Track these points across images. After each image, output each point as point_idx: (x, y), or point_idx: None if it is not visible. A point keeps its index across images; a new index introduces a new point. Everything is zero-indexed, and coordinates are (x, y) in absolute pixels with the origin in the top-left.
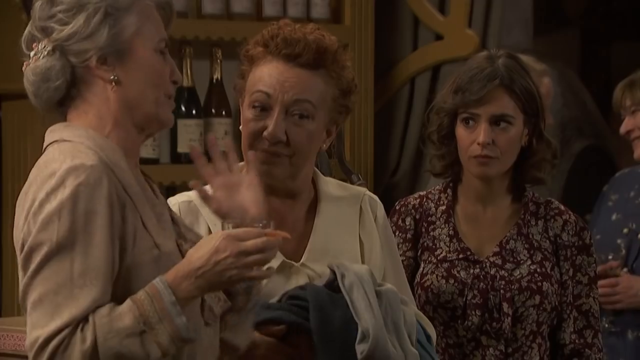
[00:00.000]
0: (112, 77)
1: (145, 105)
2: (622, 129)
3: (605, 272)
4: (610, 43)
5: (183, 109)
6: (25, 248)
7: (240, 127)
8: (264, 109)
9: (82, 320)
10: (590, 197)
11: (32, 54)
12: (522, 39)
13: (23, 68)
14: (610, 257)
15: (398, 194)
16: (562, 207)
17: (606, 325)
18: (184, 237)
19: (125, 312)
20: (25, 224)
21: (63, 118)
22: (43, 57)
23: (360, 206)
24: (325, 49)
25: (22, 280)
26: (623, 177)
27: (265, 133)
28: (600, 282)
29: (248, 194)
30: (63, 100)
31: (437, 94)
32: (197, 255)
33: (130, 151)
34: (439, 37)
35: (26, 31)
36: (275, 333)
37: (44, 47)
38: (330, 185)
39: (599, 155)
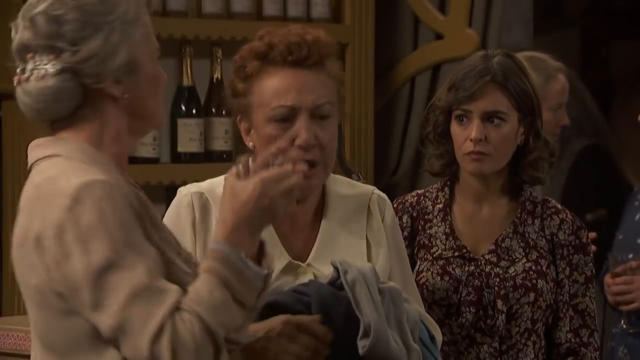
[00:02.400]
0: (124, 95)
1: (149, 116)
2: None
3: (624, 271)
4: (610, 43)
5: (183, 108)
6: (60, 269)
7: (250, 143)
8: (285, 120)
9: (174, 310)
10: (590, 196)
11: (29, 67)
12: (523, 39)
13: (16, 80)
14: (630, 256)
15: (398, 194)
16: (559, 206)
17: (624, 327)
18: (178, 249)
19: (213, 288)
20: (41, 246)
21: (52, 132)
22: (52, 77)
23: (369, 206)
24: (323, 45)
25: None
26: None
27: (298, 141)
28: (616, 280)
29: None
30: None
31: (437, 93)
32: (238, 205)
33: (122, 164)
34: (439, 37)
35: (19, 41)
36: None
37: (52, 65)
38: (339, 184)
39: (599, 155)
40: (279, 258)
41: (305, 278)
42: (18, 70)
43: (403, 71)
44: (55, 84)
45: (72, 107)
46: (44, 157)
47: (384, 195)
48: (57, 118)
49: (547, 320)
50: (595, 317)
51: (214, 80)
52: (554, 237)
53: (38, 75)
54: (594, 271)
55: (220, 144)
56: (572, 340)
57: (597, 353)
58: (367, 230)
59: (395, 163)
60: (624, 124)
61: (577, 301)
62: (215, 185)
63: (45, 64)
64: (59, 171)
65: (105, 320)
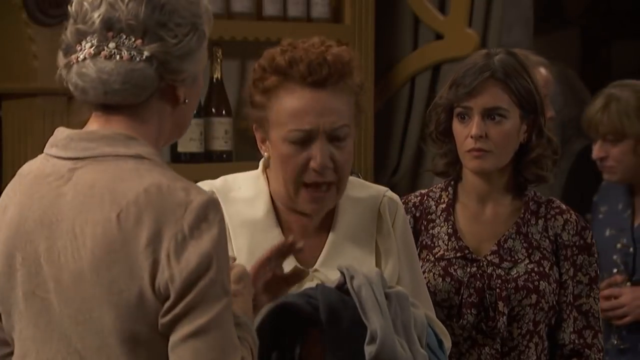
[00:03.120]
0: (185, 100)
1: (183, 130)
2: (596, 154)
3: (610, 286)
4: (610, 43)
5: None
6: (179, 281)
7: (265, 153)
8: (301, 142)
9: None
10: (591, 196)
11: (110, 45)
12: (523, 39)
13: (85, 54)
14: (614, 271)
15: (398, 194)
16: (564, 207)
17: (615, 342)
18: None
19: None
20: (151, 254)
21: (108, 117)
22: (141, 61)
23: (379, 210)
24: (344, 63)
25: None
26: (610, 187)
27: (312, 164)
28: (603, 293)
29: None
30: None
31: (437, 93)
32: (247, 290)
33: None
34: (439, 37)
35: (105, 16)
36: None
37: (137, 49)
38: (350, 186)
39: None
40: (285, 262)
41: (311, 284)
42: (87, 45)
43: (403, 71)
44: (143, 69)
45: (145, 97)
46: (118, 155)
47: (396, 197)
48: (125, 104)
49: (549, 321)
50: (600, 318)
51: (214, 80)
52: (558, 238)
53: (124, 56)
54: (598, 272)
55: (220, 144)
56: (576, 341)
57: (601, 354)
58: (376, 235)
59: (395, 163)
60: None
61: (581, 302)
62: (229, 184)
63: (130, 47)
64: (165, 179)
65: (187, 328)
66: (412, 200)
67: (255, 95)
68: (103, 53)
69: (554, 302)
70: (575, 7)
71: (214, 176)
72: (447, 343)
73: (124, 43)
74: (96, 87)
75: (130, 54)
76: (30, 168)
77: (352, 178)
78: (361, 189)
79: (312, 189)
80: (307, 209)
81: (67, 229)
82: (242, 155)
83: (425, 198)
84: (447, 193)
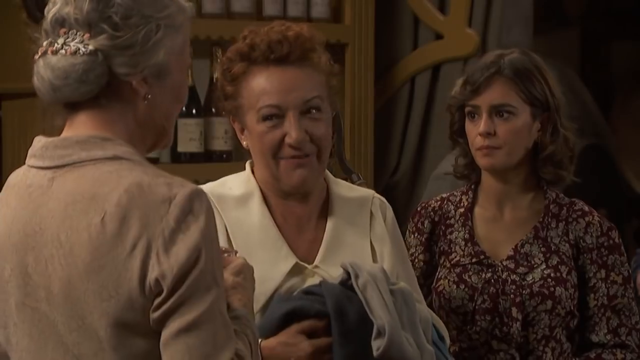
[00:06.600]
0: (147, 95)
1: (165, 124)
2: None
3: None
4: (610, 43)
5: (183, 108)
6: (170, 277)
7: (244, 142)
8: (274, 118)
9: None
10: (590, 196)
11: (59, 41)
12: (522, 38)
13: (40, 52)
14: None
15: (398, 194)
16: (586, 208)
17: None
18: None
19: (248, 352)
20: (139, 253)
21: (74, 120)
22: (82, 55)
23: (371, 210)
24: (305, 39)
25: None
26: None
27: (288, 140)
28: None
29: None
30: (80, 102)
31: (437, 93)
32: (248, 283)
33: None
34: (439, 37)
35: (55, 14)
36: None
37: (84, 43)
38: (340, 187)
39: (599, 155)
40: (285, 259)
41: (313, 280)
42: (44, 43)
43: (403, 71)
44: (85, 63)
45: (93, 92)
46: (95, 159)
47: (384, 199)
48: (73, 100)
49: (567, 325)
50: (632, 316)
51: (214, 80)
52: (580, 242)
53: (68, 50)
54: (630, 271)
55: (220, 143)
56: (612, 340)
57: (639, 350)
58: (370, 233)
59: (395, 163)
60: (624, 124)
61: (616, 302)
62: (218, 187)
63: (78, 41)
64: (147, 177)
65: (178, 323)
66: (432, 205)
67: (226, 87)
68: (50, 49)
69: (572, 308)
70: (575, 7)
71: (214, 176)
72: (446, 335)
73: (73, 38)
74: (45, 85)
75: (75, 47)
76: (15, 180)
77: (340, 180)
78: (350, 190)
79: (292, 158)
80: (290, 180)
81: (51, 238)
82: (242, 155)
83: (445, 202)
84: (467, 197)
